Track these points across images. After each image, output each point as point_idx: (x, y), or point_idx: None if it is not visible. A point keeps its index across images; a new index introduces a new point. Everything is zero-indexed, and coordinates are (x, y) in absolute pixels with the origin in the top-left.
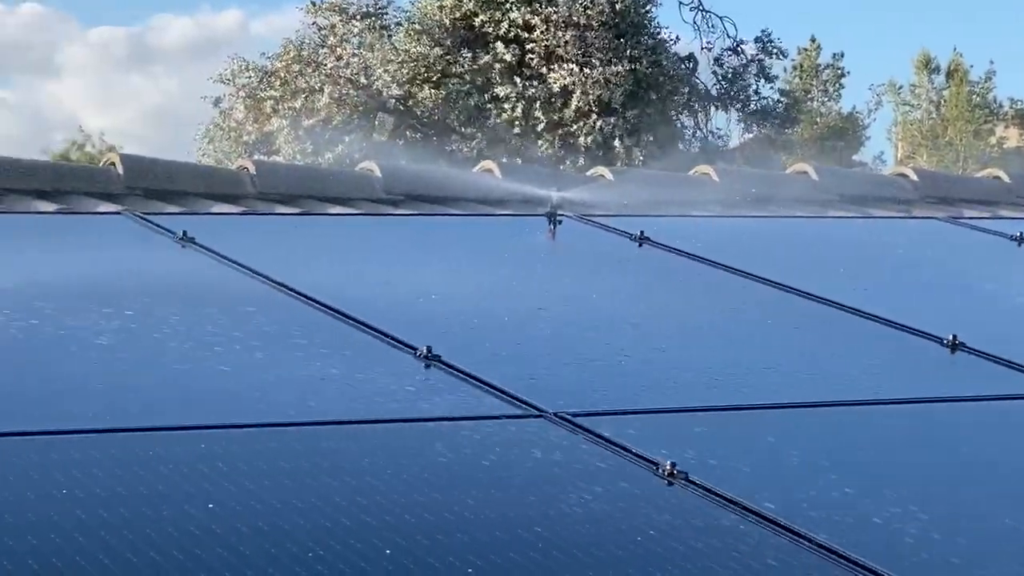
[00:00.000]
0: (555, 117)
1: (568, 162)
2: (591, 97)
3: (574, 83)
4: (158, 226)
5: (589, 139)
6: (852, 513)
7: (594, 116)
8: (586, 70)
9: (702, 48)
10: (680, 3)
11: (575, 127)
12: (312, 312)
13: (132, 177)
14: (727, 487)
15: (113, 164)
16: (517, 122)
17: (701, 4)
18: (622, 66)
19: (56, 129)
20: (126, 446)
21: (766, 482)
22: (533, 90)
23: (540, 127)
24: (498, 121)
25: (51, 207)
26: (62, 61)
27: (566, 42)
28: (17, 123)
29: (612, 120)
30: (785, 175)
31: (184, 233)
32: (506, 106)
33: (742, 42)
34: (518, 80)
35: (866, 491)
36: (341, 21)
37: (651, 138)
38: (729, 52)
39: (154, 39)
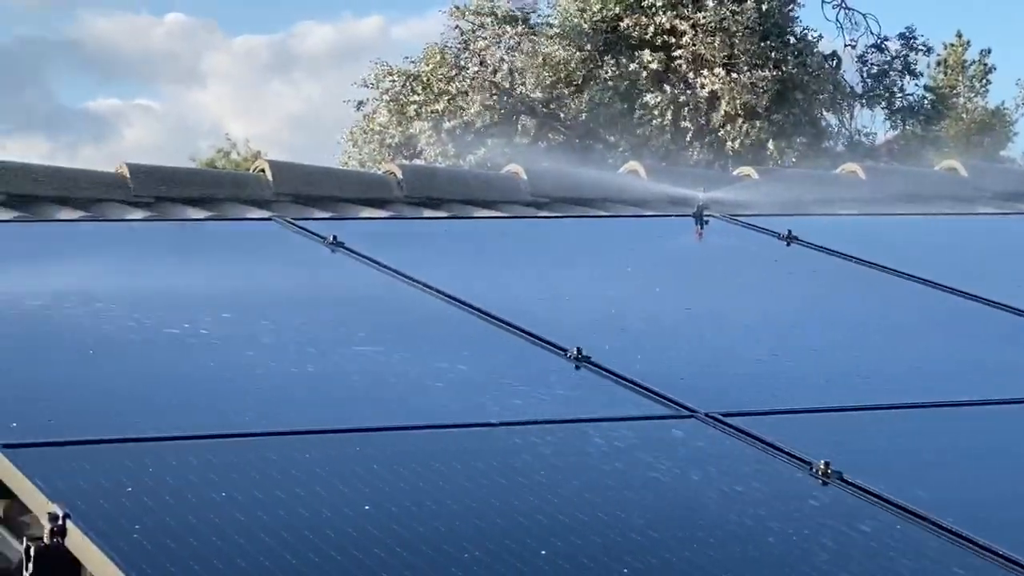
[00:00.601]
0: (702, 122)
1: (718, 166)
2: (739, 102)
3: (721, 89)
4: (308, 231)
5: (738, 143)
6: (1012, 511)
7: (741, 120)
8: (733, 74)
9: (845, 46)
10: (823, 2)
11: (723, 132)
12: (462, 315)
13: (281, 183)
14: (882, 486)
15: (263, 171)
16: (666, 128)
17: (844, 2)
18: (768, 69)
19: (202, 137)
20: (284, 449)
21: (921, 480)
22: (682, 96)
23: (689, 134)
24: (648, 128)
25: (202, 214)
26: (207, 70)
27: (714, 47)
28: (164, 132)
29: (759, 123)
30: (934, 172)
31: (334, 238)
32: (655, 112)
33: (886, 39)
34: (667, 87)
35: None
36: (484, 25)
37: (803, 140)
38: (873, 49)
39: (296, 46)
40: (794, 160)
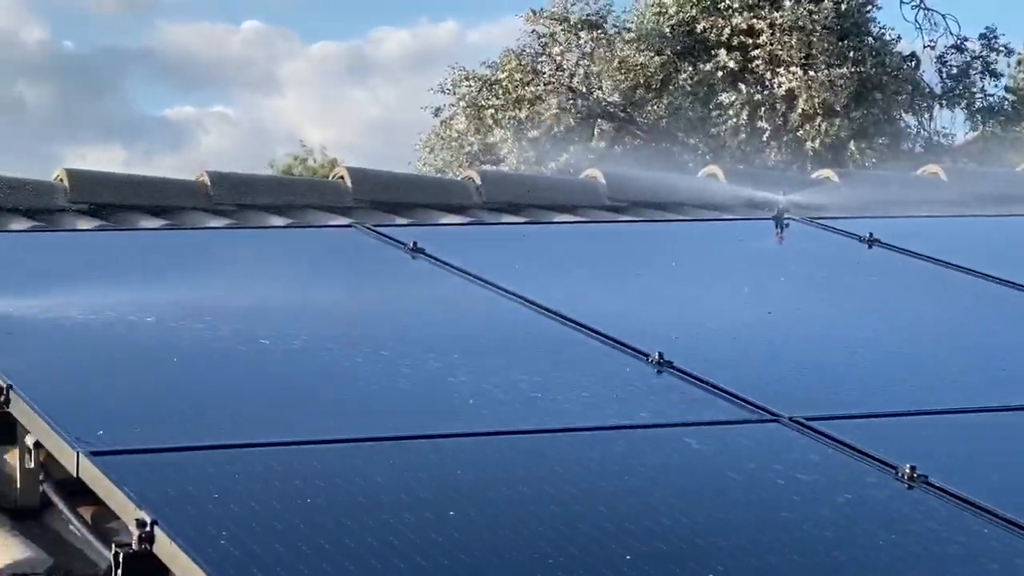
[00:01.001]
0: (780, 122)
1: (795, 167)
2: (816, 100)
3: (799, 87)
4: (388, 238)
5: (816, 143)
6: None
7: (819, 119)
8: (811, 73)
9: (924, 46)
10: (901, 2)
11: (801, 132)
12: (542, 320)
13: (361, 189)
14: (969, 490)
15: (342, 177)
16: (742, 128)
17: (923, 2)
18: (846, 68)
19: (278, 144)
20: (371, 455)
21: (1009, 484)
22: (758, 96)
23: (765, 134)
24: (723, 129)
25: (282, 221)
26: (283, 77)
27: (791, 47)
28: (240, 139)
29: (837, 122)
30: (1016, 172)
31: (414, 244)
32: (731, 112)
33: (965, 39)
34: (742, 86)
35: None
36: (562, 30)
37: (882, 140)
38: (952, 50)
39: (372, 52)
40: (873, 160)
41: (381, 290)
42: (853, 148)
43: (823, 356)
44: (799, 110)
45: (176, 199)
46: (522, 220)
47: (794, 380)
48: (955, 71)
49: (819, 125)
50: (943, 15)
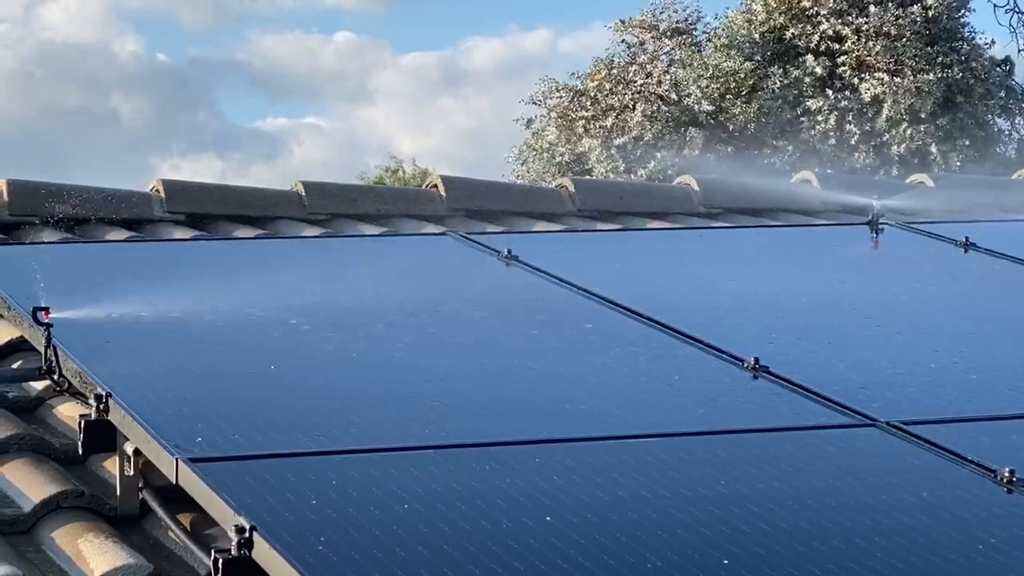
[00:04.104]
0: (867, 127)
1: (883, 172)
2: (902, 106)
3: (885, 92)
4: (483, 245)
5: (902, 147)
6: None
7: (905, 124)
8: (896, 79)
9: (1019, 51)
10: (995, 6)
11: (887, 136)
12: (638, 326)
13: (454, 198)
14: None
15: (436, 186)
16: (831, 134)
17: (1017, 6)
18: (933, 73)
19: (370, 154)
20: (467, 461)
21: None
22: (846, 101)
23: (853, 139)
24: (811, 133)
25: (376, 230)
26: (375, 87)
27: (877, 52)
28: (333, 149)
29: (923, 128)
30: None
31: (508, 251)
32: (819, 118)
33: None
34: (830, 92)
35: None
36: (652, 38)
37: (967, 143)
38: None
39: (464, 61)
40: (958, 164)
41: (475, 298)
42: (935, 152)
43: (919, 360)
44: (884, 115)
45: (271, 209)
46: (616, 227)
47: (891, 385)
48: None
49: (905, 130)
50: None
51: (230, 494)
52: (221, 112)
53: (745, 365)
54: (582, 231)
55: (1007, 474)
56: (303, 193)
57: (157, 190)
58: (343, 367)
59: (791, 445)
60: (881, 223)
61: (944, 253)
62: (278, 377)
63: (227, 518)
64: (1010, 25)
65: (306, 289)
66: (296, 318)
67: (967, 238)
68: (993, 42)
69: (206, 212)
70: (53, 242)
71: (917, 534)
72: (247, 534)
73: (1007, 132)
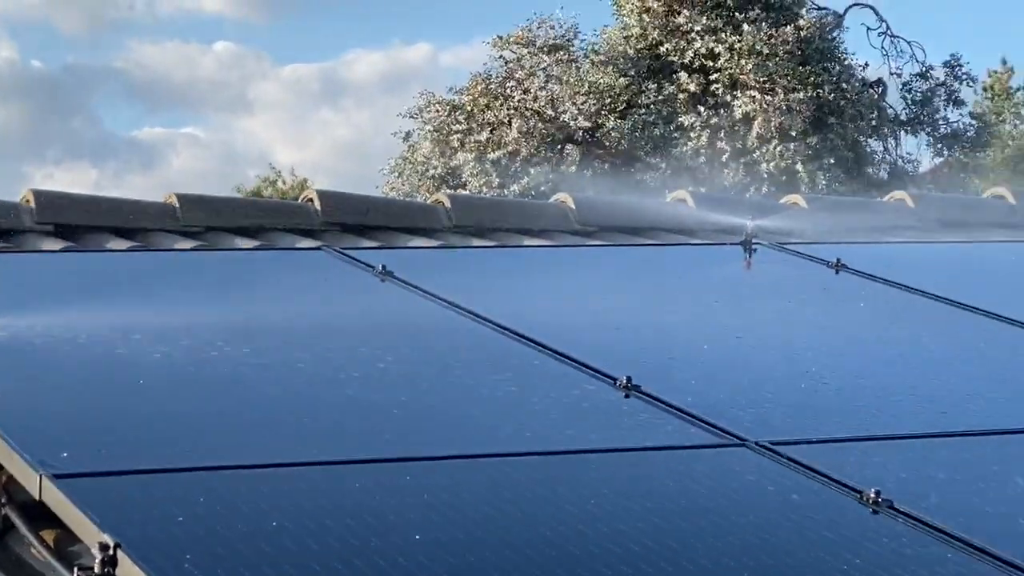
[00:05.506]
0: (739, 145)
1: (753, 189)
2: (773, 124)
3: (756, 110)
4: (358, 261)
5: (771, 165)
6: None
7: (775, 142)
8: (768, 97)
9: (891, 73)
10: (868, 29)
11: (758, 154)
12: (511, 344)
13: (330, 212)
14: (933, 515)
15: (311, 200)
16: (703, 150)
17: (889, 29)
18: (805, 92)
19: (249, 165)
20: (334, 478)
21: (972, 509)
22: (717, 118)
23: (725, 155)
24: (684, 150)
25: (251, 243)
26: (255, 98)
27: (749, 70)
28: (211, 159)
29: (793, 146)
30: (982, 200)
31: (383, 267)
32: (691, 135)
33: (931, 67)
34: (702, 109)
35: None
36: (529, 54)
37: (831, 162)
38: (918, 77)
39: (346, 73)
40: (824, 183)
41: (347, 313)
42: (801, 171)
43: (790, 381)
44: (755, 133)
45: (144, 221)
46: (491, 244)
47: (761, 405)
48: (920, 98)
49: (775, 148)
50: (909, 43)
51: (94, 511)
52: (97, 120)
53: (617, 384)
54: (458, 247)
55: (873, 495)
56: (177, 205)
57: (28, 200)
58: (211, 385)
59: (661, 464)
60: (754, 243)
61: (815, 274)
62: (146, 393)
63: (91, 535)
64: (882, 47)
65: (177, 304)
66: (163, 334)
67: (838, 259)
68: (866, 64)
69: (77, 223)
70: None
71: (784, 555)
72: (111, 551)
73: (879, 154)
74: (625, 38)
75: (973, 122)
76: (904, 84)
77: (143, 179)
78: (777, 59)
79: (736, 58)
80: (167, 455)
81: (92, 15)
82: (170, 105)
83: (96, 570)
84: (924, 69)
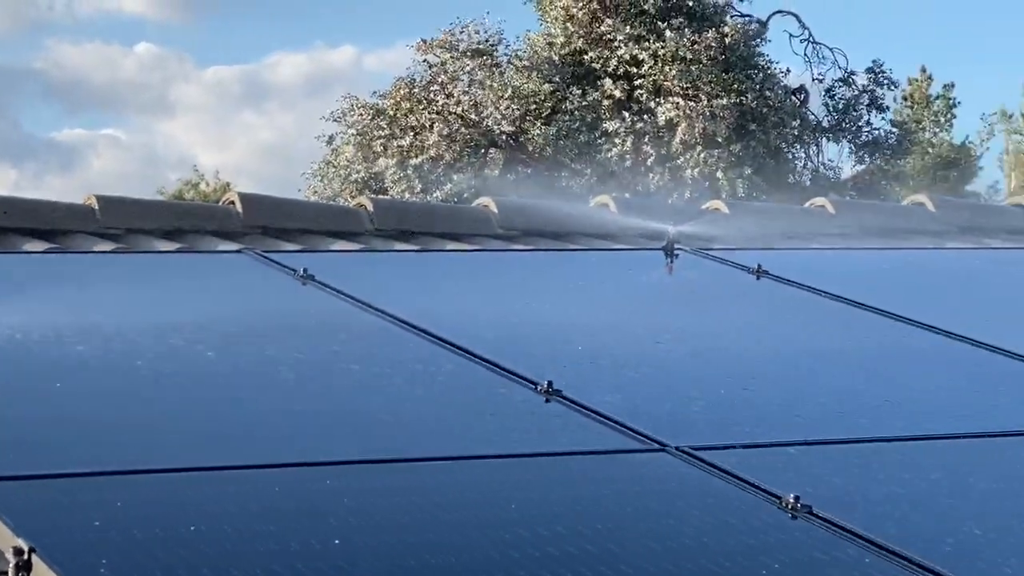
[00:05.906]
0: (663, 151)
1: (675, 194)
2: (696, 130)
3: (679, 116)
4: (279, 264)
5: (696, 171)
6: (978, 547)
7: (699, 148)
8: (691, 103)
9: (813, 80)
10: (791, 36)
11: (681, 160)
12: (433, 348)
13: (251, 215)
14: (851, 520)
15: (232, 202)
16: (627, 156)
17: (811, 36)
18: (728, 99)
19: (170, 168)
20: (252, 483)
21: (891, 515)
22: (641, 124)
23: (649, 160)
24: (608, 156)
25: (172, 246)
26: (176, 100)
27: (673, 76)
28: (132, 161)
29: (716, 152)
30: (902, 206)
31: (304, 271)
32: (616, 140)
33: (853, 73)
34: (627, 115)
35: (992, 525)
36: (452, 58)
37: (752, 170)
38: (840, 83)
39: (269, 76)
40: (743, 190)
41: (267, 317)
42: (721, 177)
43: (711, 386)
44: (678, 138)
45: (62, 222)
46: (413, 248)
47: (681, 410)
48: (842, 105)
49: (699, 154)
50: (831, 49)
51: (8, 515)
52: (16, 121)
53: (538, 388)
54: (380, 251)
55: (792, 500)
56: (96, 207)
57: None
58: (127, 388)
59: (581, 469)
60: (676, 248)
61: (737, 279)
62: (62, 396)
63: (5, 539)
64: (805, 54)
65: (93, 306)
66: (80, 337)
67: (759, 265)
68: (788, 70)
69: None
70: None
71: (704, 559)
72: (26, 556)
73: (802, 160)
74: (549, 44)
75: (894, 130)
76: (827, 90)
77: (63, 181)
78: (700, 65)
79: (660, 64)
80: (84, 459)
81: (12, 15)
82: (90, 106)
83: (10, 575)
84: (846, 75)
